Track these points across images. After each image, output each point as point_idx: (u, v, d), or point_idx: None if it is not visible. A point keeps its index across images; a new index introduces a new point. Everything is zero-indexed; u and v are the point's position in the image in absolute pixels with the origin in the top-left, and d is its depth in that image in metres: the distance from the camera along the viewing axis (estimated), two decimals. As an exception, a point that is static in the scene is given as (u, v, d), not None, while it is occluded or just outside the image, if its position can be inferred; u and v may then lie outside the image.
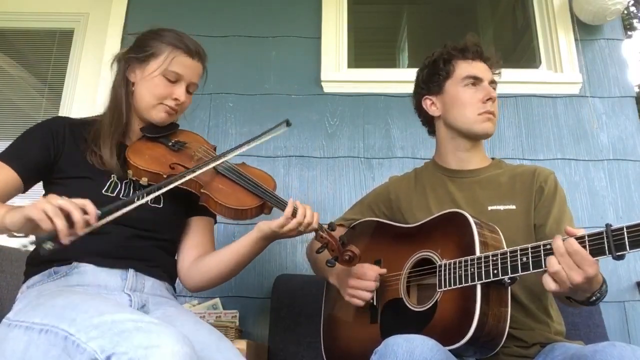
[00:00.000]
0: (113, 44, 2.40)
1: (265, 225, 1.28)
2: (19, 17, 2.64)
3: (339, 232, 1.62)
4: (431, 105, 1.52)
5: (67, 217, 0.96)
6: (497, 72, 1.52)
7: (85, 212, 0.98)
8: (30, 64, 2.74)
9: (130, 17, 2.47)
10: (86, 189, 1.25)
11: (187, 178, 1.26)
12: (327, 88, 2.37)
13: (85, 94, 2.44)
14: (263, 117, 2.33)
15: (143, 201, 1.15)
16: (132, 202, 1.11)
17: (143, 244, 1.28)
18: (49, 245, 0.95)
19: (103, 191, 1.27)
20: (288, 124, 1.44)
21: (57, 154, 1.30)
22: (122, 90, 1.37)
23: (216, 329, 1.27)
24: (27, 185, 1.27)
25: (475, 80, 1.45)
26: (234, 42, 2.45)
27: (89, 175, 1.28)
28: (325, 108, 2.35)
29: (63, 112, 2.42)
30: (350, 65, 2.47)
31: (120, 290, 1.20)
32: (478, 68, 1.47)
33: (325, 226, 1.30)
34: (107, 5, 2.51)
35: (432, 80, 1.51)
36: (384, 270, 1.35)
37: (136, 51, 1.37)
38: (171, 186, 1.21)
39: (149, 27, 1.41)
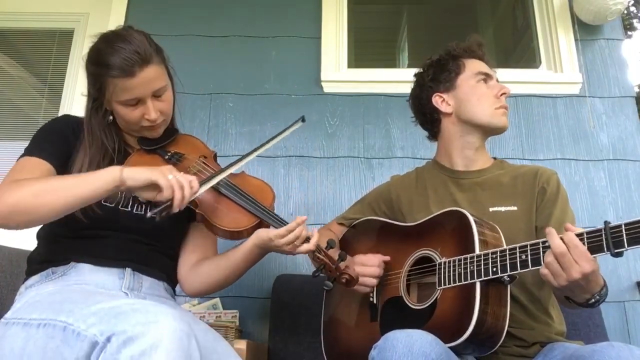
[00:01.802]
0: (113, 44, 2.40)
1: (264, 232, 1.26)
2: (19, 17, 2.64)
3: (339, 230, 1.63)
4: (442, 103, 1.49)
5: (181, 187, 1.12)
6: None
7: (191, 185, 1.14)
8: (30, 64, 2.74)
9: (130, 17, 2.46)
10: None
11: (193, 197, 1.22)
12: (327, 88, 2.37)
13: (85, 94, 2.44)
14: (263, 117, 2.33)
15: (227, 173, 1.29)
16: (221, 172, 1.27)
17: (141, 247, 1.28)
18: (164, 214, 1.12)
19: (102, 201, 1.24)
20: (303, 120, 1.43)
21: (72, 150, 1.28)
22: (91, 128, 1.30)
23: (216, 329, 1.27)
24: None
25: (487, 77, 1.47)
26: (234, 42, 2.45)
27: None
28: (325, 108, 2.35)
29: (63, 112, 2.42)
30: (350, 65, 2.47)
31: (117, 289, 1.21)
32: (485, 66, 1.49)
33: (324, 246, 1.27)
34: (107, 5, 2.51)
35: (441, 77, 1.49)
36: (387, 258, 1.35)
37: (91, 86, 1.29)
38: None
39: (90, 47, 1.29)
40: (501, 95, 1.44)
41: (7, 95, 2.70)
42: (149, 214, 1.11)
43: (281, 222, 1.26)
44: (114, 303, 0.94)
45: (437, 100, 1.49)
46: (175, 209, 1.12)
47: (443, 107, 1.49)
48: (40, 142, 1.28)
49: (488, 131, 1.47)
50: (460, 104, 1.46)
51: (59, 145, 1.27)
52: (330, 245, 1.27)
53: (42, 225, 1.28)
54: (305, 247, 1.24)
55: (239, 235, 1.28)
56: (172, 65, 1.35)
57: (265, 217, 1.27)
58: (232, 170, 1.32)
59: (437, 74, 1.50)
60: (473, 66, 1.48)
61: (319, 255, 1.25)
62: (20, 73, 2.73)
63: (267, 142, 1.39)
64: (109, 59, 1.21)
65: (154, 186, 1.13)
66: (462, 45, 1.50)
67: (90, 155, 1.27)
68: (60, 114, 2.41)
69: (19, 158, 1.24)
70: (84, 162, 1.26)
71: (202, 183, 1.24)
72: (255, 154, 1.37)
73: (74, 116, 1.40)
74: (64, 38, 2.62)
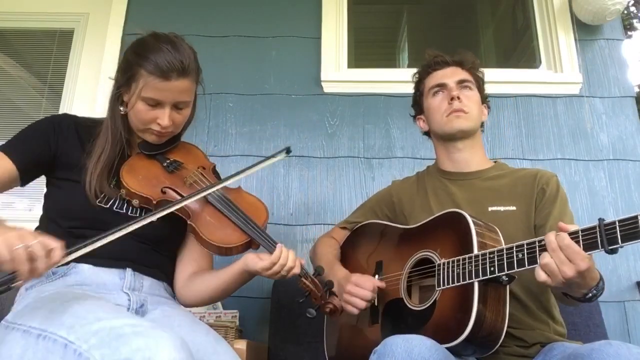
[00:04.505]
0: (113, 44, 2.41)
1: (251, 261, 1.24)
2: (19, 17, 2.64)
3: (342, 235, 1.63)
4: (422, 123, 1.63)
5: (31, 259, 0.92)
6: (469, 68, 1.55)
7: (48, 255, 0.94)
8: (30, 64, 2.74)
9: (130, 17, 2.47)
10: (80, 196, 1.24)
11: (177, 207, 1.22)
12: (327, 88, 2.37)
13: (85, 94, 2.45)
14: (263, 117, 2.33)
15: (113, 237, 1.10)
16: (99, 240, 1.07)
17: (141, 247, 1.28)
18: (3, 288, 0.92)
19: (97, 201, 1.25)
20: (288, 151, 1.41)
21: (56, 151, 1.29)
22: (114, 115, 1.32)
23: (216, 329, 1.26)
24: (25, 179, 1.27)
25: (440, 87, 1.53)
26: (234, 42, 2.45)
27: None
28: (325, 108, 2.35)
29: (63, 112, 2.42)
30: (350, 65, 2.47)
31: (118, 290, 1.20)
32: (441, 75, 1.54)
33: (311, 272, 1.26)
34: (107, 5, 2.51)
35: (415, 102, 1.65)
36: (382, 284, 1.35)
37: (121, 73, 1.30)
38: (156, 217, 1.17)
39: (138, 38, 1.31)
40: (452, 100, 1.47)
41: (7, 95, 2.71)
42: None
43: (271, 244, 1.24)
44: (116, 322, 0.93)
45: (419, 122, 1.65)
46: (24, 282, 0.97)
47: (424, 127, 1.63)
48: (16, 139, 1.29)
49: (449, 138, 1.51)
50: (427, 121, 1.59)
51: (33, 145, 1.28)
52: (317, 272, 1.27)
53: (38, 225, 1.28)
54: (292, 272, 1.24)
55: (227, 252, 1.26)
56: (202, 85, 1.37)
57: (256, 237, 1.25)
58: (204, 194, 1.28)
59: (413, 100, 1.66)
60: (428, 82, 1.57)
61: (305, 281, 1.24)
62: (20, 73, 2.73)
63: (248, 168, 1.37)
64: (153, 55, 1.23)
65: None
66: (423, 66, 1.60)
67: (111, 137, 1.30)
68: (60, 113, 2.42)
69: None
70: (106, 145, 1.29)
71: (191, 195, 1.21)
72: (235, 178, 1.34)
73: (70, 116, 1.40)
74: (64, 38, 2.61)
